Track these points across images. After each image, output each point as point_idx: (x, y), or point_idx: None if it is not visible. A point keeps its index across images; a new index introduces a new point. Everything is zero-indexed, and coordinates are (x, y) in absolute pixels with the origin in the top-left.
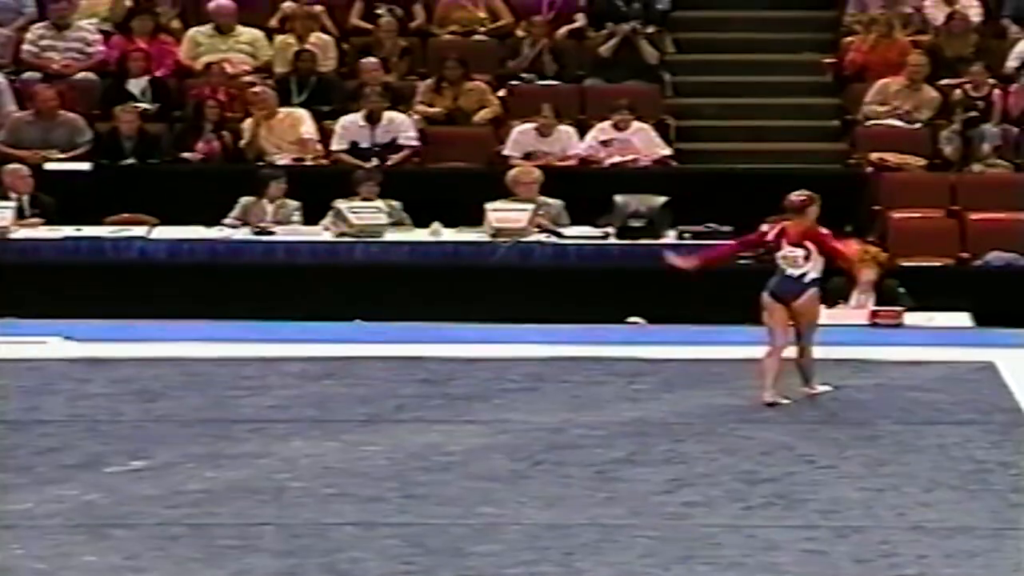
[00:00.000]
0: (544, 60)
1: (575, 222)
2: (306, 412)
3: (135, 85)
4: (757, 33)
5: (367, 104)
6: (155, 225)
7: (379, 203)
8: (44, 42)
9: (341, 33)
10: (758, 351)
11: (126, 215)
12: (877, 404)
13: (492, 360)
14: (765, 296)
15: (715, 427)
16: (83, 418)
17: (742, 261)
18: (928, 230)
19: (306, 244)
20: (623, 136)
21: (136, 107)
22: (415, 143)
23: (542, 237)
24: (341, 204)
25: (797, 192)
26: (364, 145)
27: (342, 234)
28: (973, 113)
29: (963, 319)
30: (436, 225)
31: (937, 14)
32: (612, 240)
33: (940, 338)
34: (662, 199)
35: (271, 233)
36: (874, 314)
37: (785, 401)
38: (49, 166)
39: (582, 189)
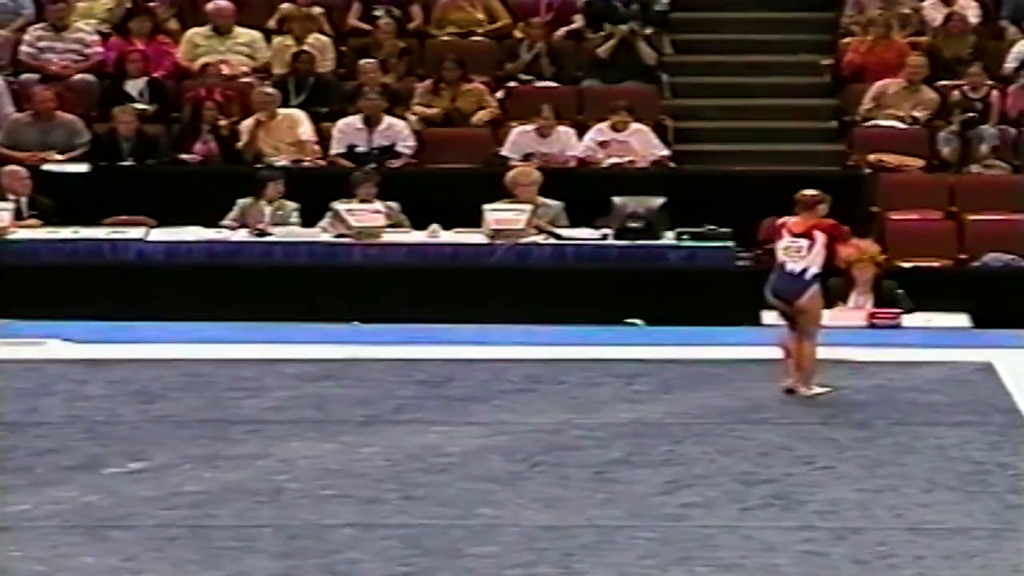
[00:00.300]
0: (541, 62)
1: (573, 223)
2: (304, 413)
3: (133, 86)
4: (755, 34)
5: (365, 107)
6: (153, 226)
7: (377, 204)
8: (42, 43)
9: (339, 34)
10: (756, 352)
11: (124, 216)
12: (875, 405)
13: (490, 361)
14: (768, 297)
15: (713, 428)
16: (81, 419)
17: (740, 262)
18: (926, 231)
19: (304, 245)
20: (621, 137)
21: (134, 108)
22: (411, 150)
23: (540, 238)
24: (339, 205)
25: (810, 190)
26: (361, 149)
27: (340, 235)
28: (971, 114)
29: (961, 320)
30: (434, 226)
31: (935, 15)
32: (610, 241)
33: (938, 339)
34: (660, 200)
35: (269, 234)
36: (872, 315)
37: (822, 390)
38: (47, 167)
39: (580, 190)
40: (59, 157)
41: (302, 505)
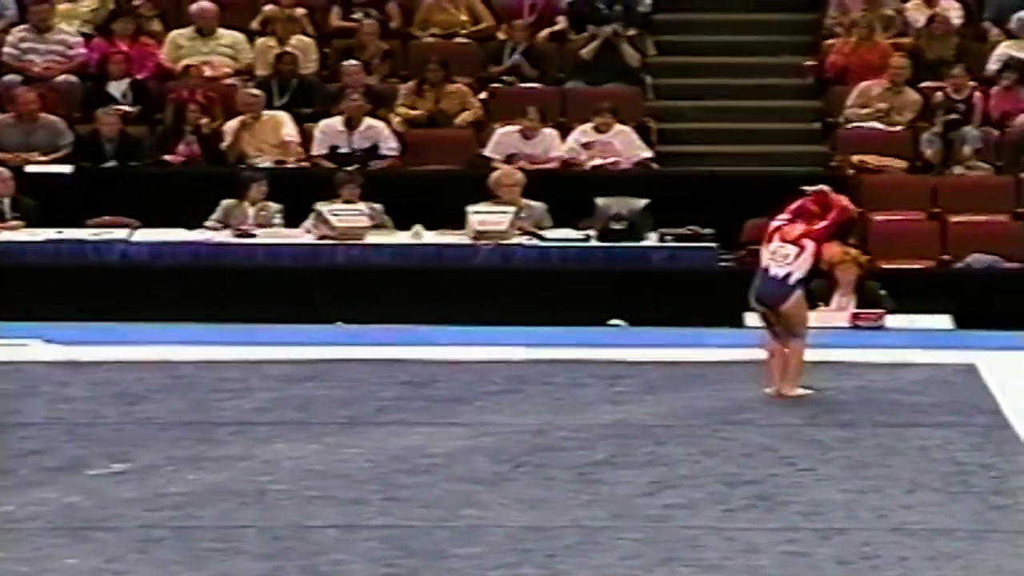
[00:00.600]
0: (523, 65)
1: (556, 224)
2: (288, 415)
3: (116, 87)
4: (738, 36)
5: (346, 109)
6: (137, 227)
7: (361, 205)
8: (25, 44)
9: (322, 36)
10: (739, 353)
11: (107, 217)
12: (858, 406)
13: (474, 362)
14: (753, 303)
15: (697, 429)
16: (64, 421)
17: (723, 263)
18: (909, 232)
19: (288, 246)
20: (604, 139)
21: (117, 109)
22: (395, 152)
23: (524, 239)
24: (323, 207)
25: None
26: (343, 150)
27: (324, 236)
28: (954, 115)
29: (944, 321)
30: (418, 227)
31: (918, 16)
32: (593, 242)
33: (921, 340)
34: (643, 202)
35: (252, 235)
36: (855, 316)
37: (805, 392)
38: (30, 168)
39: (563, 192)
40: (42, 158)
41: (286, 506)
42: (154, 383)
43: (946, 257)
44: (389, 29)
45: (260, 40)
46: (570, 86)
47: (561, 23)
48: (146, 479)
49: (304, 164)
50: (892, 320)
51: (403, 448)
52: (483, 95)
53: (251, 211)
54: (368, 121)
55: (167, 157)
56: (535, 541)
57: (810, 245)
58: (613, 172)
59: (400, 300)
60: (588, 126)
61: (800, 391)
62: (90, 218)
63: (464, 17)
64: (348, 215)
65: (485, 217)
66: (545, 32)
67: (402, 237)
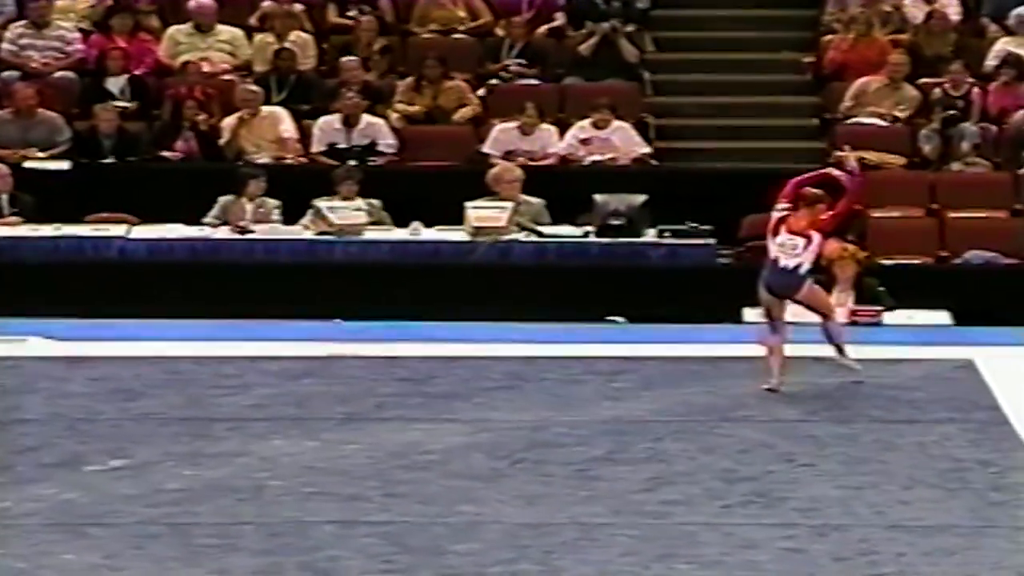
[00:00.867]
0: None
1: (555, 221)
2: (286, 411)
3: (114, 84)
4: (737, 32)
5: (344, 107)
6: (135, 224)
7: (359, 202)
8: (23, 41)
9: (320, 32)
10: (737, 349)
11: (106, 214)
12: (856, 402)
13: (472, 359)
14: (762, 292)
15: (694, 425)
16: (62, 417)
17: (722, 260)
18: (908, 229)
19: (286, 243)
20: (603, 135)
21: (115, 106)
22: (393, 149)
23: (522, 236)
24: (321, 203)
25: (813, 189)
26: (342, 146)
27: (322, 233)
28: (952, 112)
29: (943, 317)
30: (416, 224)
31: (916, 13)
32: (592, 239)
33: (919, 336)
34: (642, 198)
35: (251, 232)
36: (854, 312)
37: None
38: (28, 165)
39: (562, 188)
40: (40, 155)
41: (284, 502)
42: (152, 379)
43: (944, 253)
44: (387, 25)
45: (258, 36)
46: (568, 82)
47: (559, 19)
48: (144, 475)
49: (302, 160)
50: (890, 316)
51: (401, 444)
52: (481, 91)
53: (249, 207)
54: (367, 118)
55: (165, 153)
56: (533, 537)
57: (816, 236)
58: (611, 168)
59: (398, 296)
60: (586, 122)
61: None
62: (88, 214)
63: (462, 13)
64: (346, 211)
65: (483, 213)
66: (543, 28)
67: (400, 233)
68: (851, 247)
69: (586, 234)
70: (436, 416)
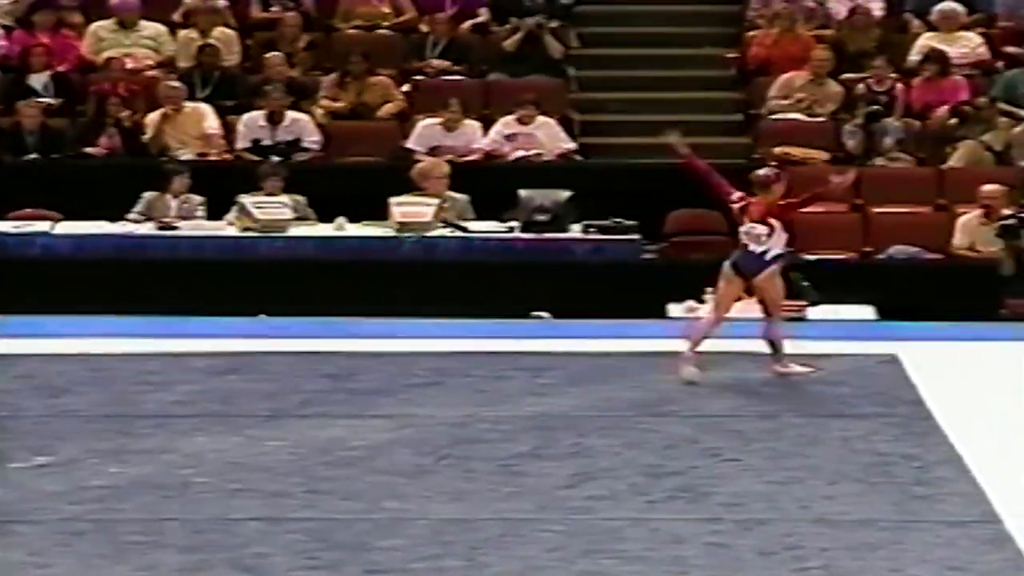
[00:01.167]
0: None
1: (480, 217)
2: (210, 407)
3: (37, 80)
4: (661, 27)
5: (269, 104)
6: (58, 220)
7: (283, 198)
8: None
9: (244, 27)
10: (662, 344)
11: (29, 210)
12: (781, 397)
13: (397, 355)
14: (726, 266)
15: (620, 421)
16: None
17: (646, 255)
18: (832, 224)
19: (210, 239)
20: (527, 130)
21: (38, 102)
22: (318, 145)
23: (447, 231)
24: (245, 199)
25: (765, 168)
26: (267, 143)
27: (246, 229)
28: (876, 107)
29: (866, 312)
30: (341, 220)
31: (840, 8)
32: (517, 234)
33: (844, 331)
34: (567, 193)
35: (175, 228)
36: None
37: (695, 379)
38: None
39: (487, 184)
40: None
41: (209, 499)
42: (76, 376)
43: (868, 248)
44: (311, 21)
45: (182, 32)
46: (493, 78)
47: (483, 15)
48: (69, 472)
49: (227, 157)
50: (814, 311)
51: (326, 440)
52: (406, 87)
53: (174, 204)
54: (291, 114)
55: (89, 150)
56: (458, 533)
57: (778, 224)
58: (536, 164)
59: (323, 292)
60: (511, 118)
61: (797, 368)
62: (11, 211)
63: (386, 9)
64: (271, 207)
65: (408, 209)
66: (467, 24)
67: (325, 229)
68: None
69: (511, 230)
70: (361, 412)
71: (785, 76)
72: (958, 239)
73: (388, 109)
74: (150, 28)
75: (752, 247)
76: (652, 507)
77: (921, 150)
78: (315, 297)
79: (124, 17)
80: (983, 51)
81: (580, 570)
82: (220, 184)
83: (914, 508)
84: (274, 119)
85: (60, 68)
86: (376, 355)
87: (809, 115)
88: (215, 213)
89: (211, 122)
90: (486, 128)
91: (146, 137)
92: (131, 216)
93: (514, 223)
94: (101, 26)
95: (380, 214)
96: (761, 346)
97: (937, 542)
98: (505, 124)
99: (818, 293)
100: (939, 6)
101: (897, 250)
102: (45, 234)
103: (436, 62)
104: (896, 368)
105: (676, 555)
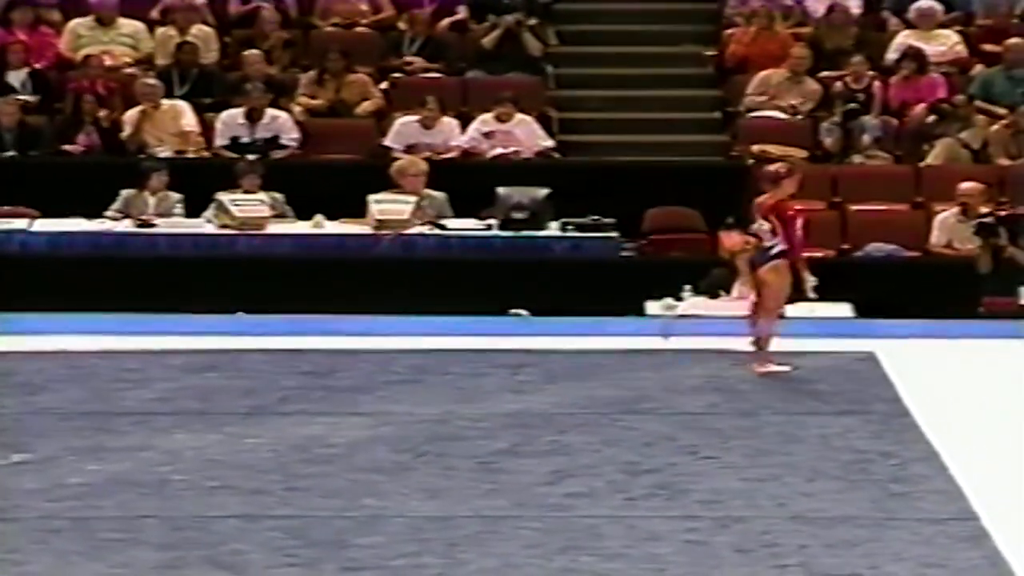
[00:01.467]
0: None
1: (458, 214)
2: (189, 405)
3: (15, 77)
4: (639, 25)
5: (248, 101)
6: (36, 218)
7: (261, 195)
8: None
9: (223, 25)
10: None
11: (7, 208)
12: (759, 394)
13: (375, 352)
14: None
15: (598, 418)
16: None
17: (624, 253)
18: (809, 221)
19: (188, 236)
20: (506, 128)
21: (17, 99)
22: (296, 143)
23: (425, 229)
24: (223, 196)
25: (776, 164)
26: (245, 140)
27: (224, 226)
28: (853, 105)
29: (844, 310)
30: (319, 217)
31: (817, 6)
32: (495, 232)
33: (821, 329)
34: (545, 191)
35: (153, 225)
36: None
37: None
38: None
39: (465, 181)
40: None
41: (186, 496)
42: (54, 373)
43: (846, 246)
44: (290, 19)
45: (160, 29)
46: (471, 76)
47: (462, 13)
48: (46, 469)
49: (205, 154)
50: (792, 309)
51: (304, 438)
52: (384, 85)
53: (151, 201)
54: (270, 112)
55: (67, 147)
56: (436, 530)
57: (779, 223)
58: (514, 162)
59: (301, 290)
60: (489, 116)
61: (773, 368)
62: None
63: (364, 7)
64: (249, 205)
65: (386, 207)
66: (446, 22)
67: (303, 227)
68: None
69: (489, 227)
70: (339, 410)
71: (763, 74)
72: (935, 237)
73: (366, 107)
74: (128, 25)
75: (766, 242)
76: (630, 504)
77: (899, 148)
78: (293, 295)
79: (102, 14)
80: (961, 49)
81: (558, 567)
82: (198, 181)
83: (891, 505)
84: (253, 116)
85: (38, 65)
86: (354, 353)
87: (787, 113)
88: (193, 211)
89: (189, 119)
90: (464, 126)
91: (124, 135)
92: (109, 213)
93: (492, 221)
94: (79, 23)
95: (358, 212)
96: (740, 344)
97: (914, 539)
98: (483, 122)
99: (795, 291)
100: (917, 4)
101: (875, 248)
102: (23, 231)
103: (414, 60)
104: (874, 366)
105: (654, 552)
